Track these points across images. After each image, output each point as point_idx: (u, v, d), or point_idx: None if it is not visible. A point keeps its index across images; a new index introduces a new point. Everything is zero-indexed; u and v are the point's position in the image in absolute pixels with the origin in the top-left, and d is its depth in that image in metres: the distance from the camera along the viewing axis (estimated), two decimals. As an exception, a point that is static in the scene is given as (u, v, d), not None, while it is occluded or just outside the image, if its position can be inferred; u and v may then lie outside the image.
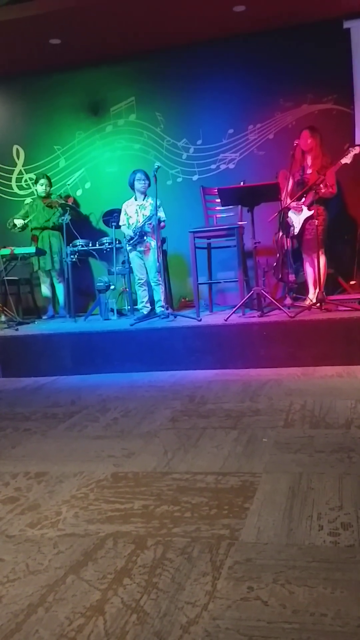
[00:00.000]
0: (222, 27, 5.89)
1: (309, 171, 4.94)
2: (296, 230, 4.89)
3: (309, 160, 4.96)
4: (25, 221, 6.19)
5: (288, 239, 5.04)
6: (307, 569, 1.45)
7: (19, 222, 6.15)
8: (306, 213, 4.83)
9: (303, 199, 4.85)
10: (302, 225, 4.87)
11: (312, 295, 4.92)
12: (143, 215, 5.29)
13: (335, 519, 1.71)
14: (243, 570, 1.47)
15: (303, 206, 4.84)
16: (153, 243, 5.14)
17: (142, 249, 5.25)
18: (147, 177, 5.33)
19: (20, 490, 2.15)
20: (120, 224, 5.47)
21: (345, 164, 4.63)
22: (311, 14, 5.65)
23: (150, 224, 5.17)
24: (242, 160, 6.29)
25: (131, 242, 5.22)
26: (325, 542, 1.58)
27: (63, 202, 6.16)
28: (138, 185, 5.33)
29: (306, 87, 6.00)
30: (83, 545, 1.68)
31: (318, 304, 4.56)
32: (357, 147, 4.59)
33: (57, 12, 5.44)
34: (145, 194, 5.39)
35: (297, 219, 4.90)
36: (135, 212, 5.32)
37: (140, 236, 5.17)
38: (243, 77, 6.14)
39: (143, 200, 5.36)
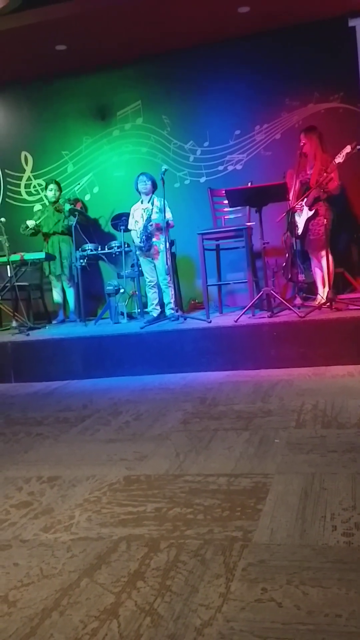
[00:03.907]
0: (226, 29, 5.89)
1: (309, 171, 4.92)
2: (299, 231, 4.88)
3: (311, 161, 4.95)
4: (37, 222, 6.22)
5: (295, 239, 5.03)
6: (321, 570, 1.45)
7: (30, 222, 6.19)
8: (307, 213, 4.81)
9: (305, 199, 4.83)
10: (304, 226, 4.85)
11: (322, 294, 4.90)
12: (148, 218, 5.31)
13: (348, 519, 1.70)
14: (257, 572, 1.47)
15: (305, 206, 4.83)
16: (162, 246, 5.15)
17: (150, 256, 5.27)
18: (150, 179, 5.35)
19: (34, 495, 2.16)
20: (129, 227, 5.50)
21: (350, 160, 4.57)
22: (316, 12, 5.64)
23: (152, 224, 5.19)
24: (249, 161, 6.28)
25: (141, 249, 5.25)
26: (339, 543, 1.57)
27: (70, 206, 6.19)
28: (140, 186, 5.37)
29: (312, 86, 5.99)
30: (96, 549, 1.68)
31: (328, 304, 4.54)
32: (348, 147, 4.51)
33: (63, 19, 5.48)
34: (149, 196, 5.40)
35: (299, 220, 4.89)
36: (141, 216, 5.34)
37: (147, 239, 5.19)
38: (248, 77, 6.14)
39: (148, 202, 5.37)
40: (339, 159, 4.47)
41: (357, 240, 5.84)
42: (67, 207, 6.16)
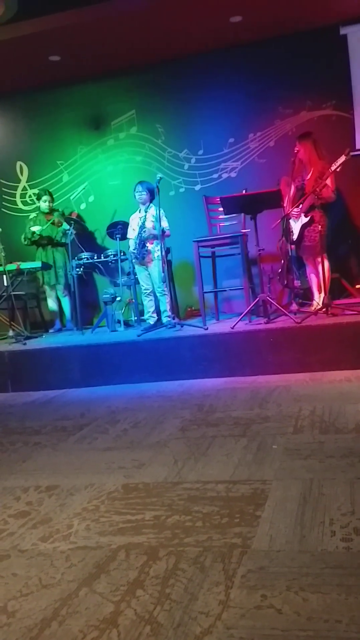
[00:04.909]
0: (219, 38, 5.94)
1: (307, 177, 4.94)
2: (294, 237, 4.89)
3: (307, 167, 4.97)
4: (44, 227, 6.21)
5: (290, 245, 5.05)
6: (321, 576, 1.44)
7: (36, 228, 6.19)
8: (303, 220, 4.83)
9: (300, 206, 4.85)
10: (300, 232, 4.87)
11: (318, 300, 4.91)
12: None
13: (347, 524, 1.70)
14: (256, 579, 1.46)
15: (301, 213, 4.84)
16: (157, 254, 5.16)
17: (144, 264, 5.30)
18: (146, 188, 5.37)
19: (32, 504, 2.15)
20: (128, 236, 5.54)
21: (346, 166, 4.59)
22: (308, 21, 5.69)
23: (145, 230, 5.21)
24: (243, 169, 6.31)
25: (136, 257, 5.29)
26: (338, 548, 1.57)
27: (68, 217, 6.20)
28: (137, 197, 5.41)
29: (305, 93, 6.03)
30: (95, 558, 1.67)
31: (324, 309, 4.55)
32: (342, 157, 4.49)
33: (56, 29, 5.51)
34: (146, 205, 5.42)
35: (295, 226, 4.91)
36: (137, 225, 5.37)
37: (141, 246, 5.21)
38: (242, 86, 6.18)
39: (145, 212, 5.40)
40: (334, 167, 4.49)
41: (353, 246, 5.87)
42: (65, 225, 6.16)
